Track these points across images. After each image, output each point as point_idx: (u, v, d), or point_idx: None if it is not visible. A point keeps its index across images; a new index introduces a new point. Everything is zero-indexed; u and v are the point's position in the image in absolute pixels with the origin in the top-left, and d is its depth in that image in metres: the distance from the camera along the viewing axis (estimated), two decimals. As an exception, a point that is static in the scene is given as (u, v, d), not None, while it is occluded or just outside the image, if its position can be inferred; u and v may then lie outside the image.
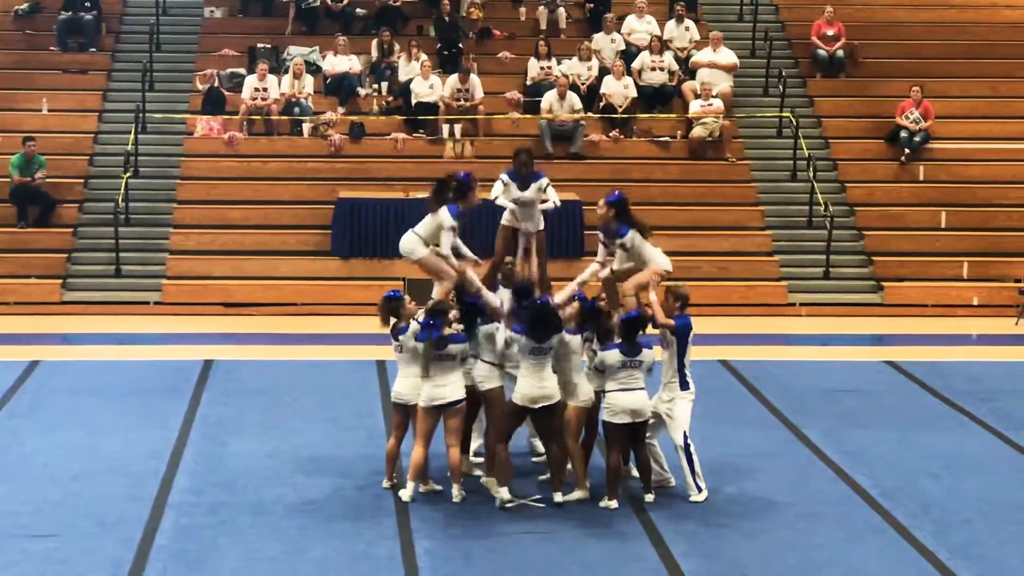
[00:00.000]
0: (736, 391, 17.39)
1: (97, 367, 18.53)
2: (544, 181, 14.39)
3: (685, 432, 13.21)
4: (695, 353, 13.43)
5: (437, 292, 13.65)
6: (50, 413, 15.99)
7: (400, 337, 13.10)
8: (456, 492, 12.99)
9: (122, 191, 23.41)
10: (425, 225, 13.76)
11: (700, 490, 13.24)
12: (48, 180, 23.41)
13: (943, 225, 24.46)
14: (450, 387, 12.91)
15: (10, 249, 22.96)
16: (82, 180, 24.26)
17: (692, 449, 13.20)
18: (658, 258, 13.57)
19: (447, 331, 12.90)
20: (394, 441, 13.39)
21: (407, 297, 13.44)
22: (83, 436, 15.00)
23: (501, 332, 13.13)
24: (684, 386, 13.28)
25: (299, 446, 14.71)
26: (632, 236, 13.53)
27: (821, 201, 24.03)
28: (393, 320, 13.19)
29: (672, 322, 13.18)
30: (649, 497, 13.03)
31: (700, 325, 13.40)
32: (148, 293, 22.55)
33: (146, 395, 16.82)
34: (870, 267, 23.75)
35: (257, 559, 11.48)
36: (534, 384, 12.83)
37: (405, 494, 12.95)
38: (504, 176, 14.42)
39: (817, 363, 19.56)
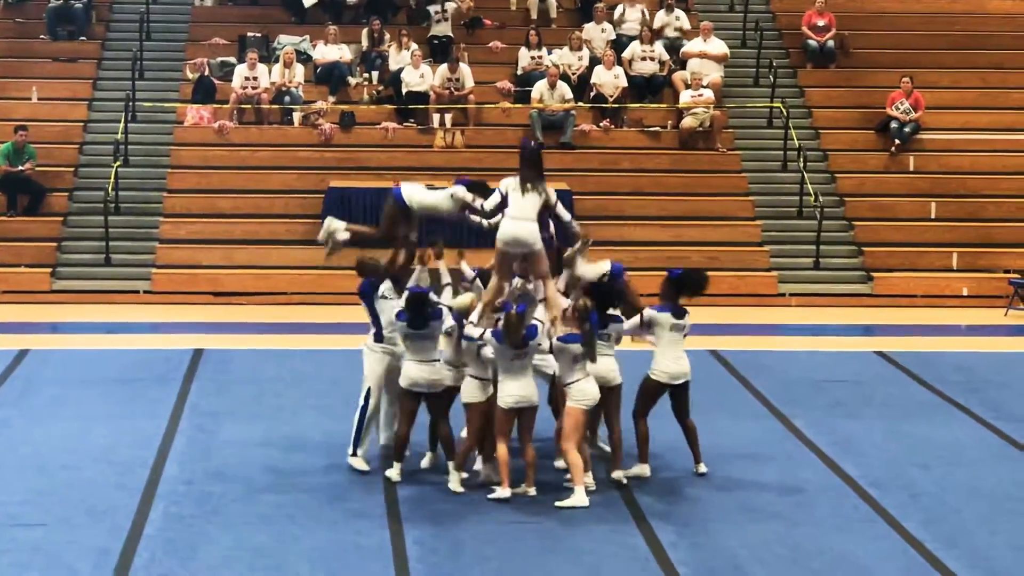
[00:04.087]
0: (726, 381, 17.39)
1: (86, 356, 18.50)
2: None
3: None
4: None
5: (547, 291, 13.01)
6: (39, 402, 15.96)
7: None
8: (526, 487, 12.73)
9: (112, 180, 23.39)
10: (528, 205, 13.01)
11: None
12: (38, 169, 23.38)
13: (933, 216, 24.48)
14: (534, 387, 12.72)
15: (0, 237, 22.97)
16: (72, 169, 24.22)
17: None
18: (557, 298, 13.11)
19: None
20: (473, 440, 12.93)
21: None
22: (72, 425, 14.97)
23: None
24: None
25: (289, 435, 14.69)
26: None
27: (811, 191, 24.05)
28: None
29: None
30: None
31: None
32: (138, 282, 22.52)
33: (136, 384, 16.79)
34: (860, 257, 23.77)
35: (246, 548, 11.46)
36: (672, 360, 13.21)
37: (503, 493, 12.59)
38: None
39: (807, 353, 19.58)
